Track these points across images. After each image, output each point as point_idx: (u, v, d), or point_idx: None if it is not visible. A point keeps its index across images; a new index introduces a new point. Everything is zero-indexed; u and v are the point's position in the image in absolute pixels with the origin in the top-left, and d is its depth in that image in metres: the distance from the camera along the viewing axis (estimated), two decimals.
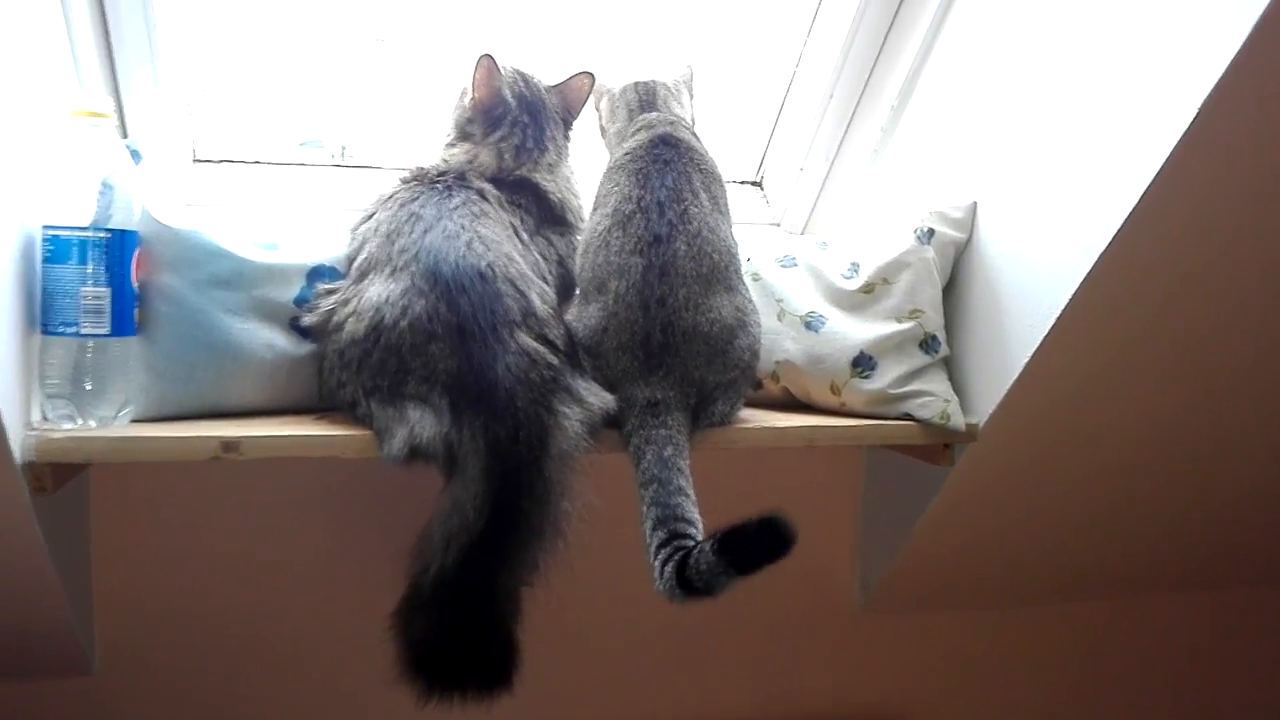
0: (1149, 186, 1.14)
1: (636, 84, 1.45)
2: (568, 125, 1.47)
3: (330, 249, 1.30)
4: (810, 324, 1.45)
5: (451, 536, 1.08)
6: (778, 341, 1.47)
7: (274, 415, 1.24)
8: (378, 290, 1.16)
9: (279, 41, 1.76)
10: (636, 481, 1.18)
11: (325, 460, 1.14)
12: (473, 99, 1.40)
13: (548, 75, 1.47)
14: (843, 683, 1.89)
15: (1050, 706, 2.06)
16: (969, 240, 1.45)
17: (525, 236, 1.32)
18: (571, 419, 1.15)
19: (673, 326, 1.22)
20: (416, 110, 1.71)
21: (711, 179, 1.34)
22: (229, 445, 1.10)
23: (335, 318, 1.19)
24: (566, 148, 1.46)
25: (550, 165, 1.41)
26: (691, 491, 1.16)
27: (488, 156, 1.37)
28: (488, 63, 1.37)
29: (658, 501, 1.14)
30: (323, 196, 1.63)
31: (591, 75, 1.46)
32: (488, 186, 1.32)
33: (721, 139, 1.57)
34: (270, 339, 1.23)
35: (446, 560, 1.07)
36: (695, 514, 1.15)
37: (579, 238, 1.39)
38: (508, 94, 1.40)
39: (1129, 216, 1.17)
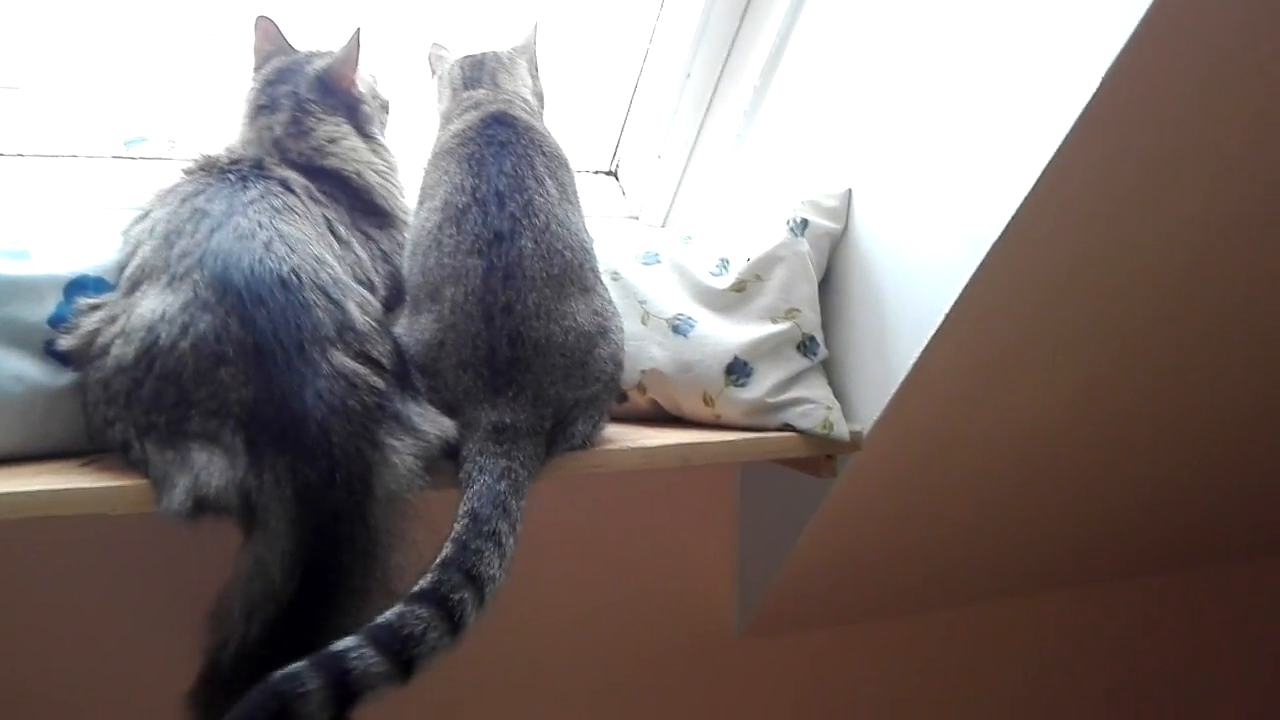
0: (1044, 169, 1.04)
1: (463, 58, 1.28)
2: (327, 87, 1.24)
3: (97, 256, 1.07)
4: (678, 327, 1.30)
5: (254, 605, 0.89)
6: (643, 348, 1.31)
7: (27, 462, 1.01)
8: (152, 304, 0.95)
9: (107, 36, 1.60)
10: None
11: (96, 517, 0.92)
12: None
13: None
14: (723, 715, 1.76)
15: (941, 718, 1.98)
16: (845, 231, 1.34)
17: (341, 231, 1.13)
18: (402, 453, 0.97)
19: (522, 338, 1.05)
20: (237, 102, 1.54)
21: (557, 163, 1.17)
22: None
23: (100, 339, 0.97)
24: (330, 115, 1.23)
25: (293, 128, 1.20)
26: (509, 540, 0.98)
27: (244, 132, 1.21)
28: (263, 24, 1.25)
29: (458, 540, 0.95)
30: (104, 193, 1.39)
31: (357, 29, 1.24)
32: (293, 175, 1.13)
33: (571, 125, 1.41)
34: (19, 369, 1.00)
35: (249, 634, 0.89)
36: (494, 569, 0.95)
37: (404, 234, 1.20)
38: (275, 61, 1.25)
39: (1023, 203, 1.07)
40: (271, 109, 1.21)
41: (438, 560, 0.94)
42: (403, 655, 0.85)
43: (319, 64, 1.24)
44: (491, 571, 0.95)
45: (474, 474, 1.01)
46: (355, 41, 1.23)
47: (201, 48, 1.66)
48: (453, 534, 0.97)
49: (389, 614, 0.88)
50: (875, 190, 1.29)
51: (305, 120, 1.20)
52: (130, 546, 1.25)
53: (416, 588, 0.91)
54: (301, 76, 1.23)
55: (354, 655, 0.83)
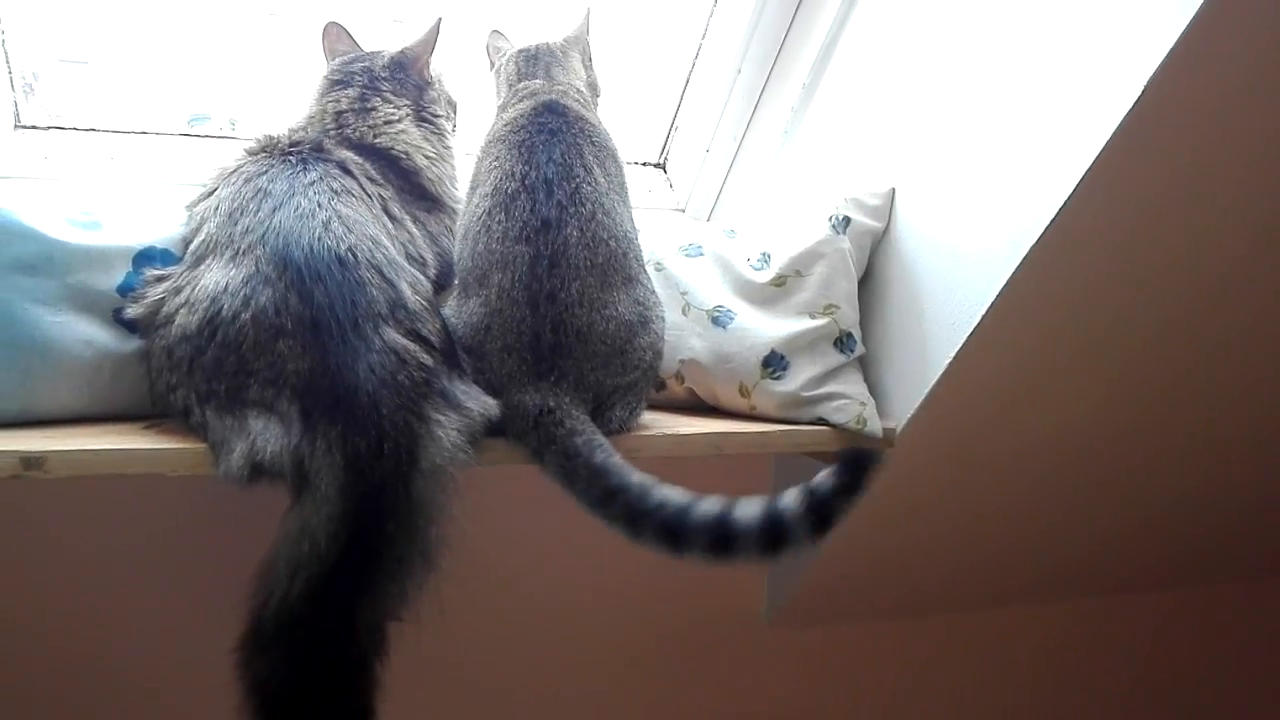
0: (1086, 172, 1.05)
1: (523, 49, 1.31)
2: (402, 66, 1.32)
3: (164, 229, 1.12)
4: (718, 319, 1.33)
5: (299, 565, 0.92)
6: (682, 338, 1.34)
7: (95, 423, 1.07)
8: (215, 277, 1.00)
9: (172, 14, 1.67)
10: (583, 504, 1.03)
11: (156, 477, 0.96)
12: None
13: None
14: (748, 701, 1.79)
15: (962, 718, 1.99)
16: (886, 229, 1.35)
17: (395, 210, 1.17)
18: (447, 427, 1.00)
19: (565, 325, 1.08)
20: (310, 85, 1.59)
21: (605, 153, 1.20)
22: (31, 461, 0.92)
23: (165, 309, 1.02)
24: (405, 103, 1.30)
25: (359, 104, 1.27)
26: (649, 476, 1.02)
27: (310, 108, 1.27)
28: (333, 30, 1.32)
29: (641, 513, 0.99)
30: (170, 169, 1.44)
31: (438, 19, 1.32)
32: (350, 156, 1.17)
33: (622, 117, 1.44)
34: (88, 334, 1.05)
35: (291, 591, 0.92)
36: (680, 493, 1.00)
37: (452, 219, 1.24)
38: (339, 60, 1.32)
39: (1063, 205, 1.07)
40: (344, 84, 1.28)
41: (658, 537, 0.99)
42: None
43: (395, 50, 1.31)
44: (680, 493, 1.00)
45: (566, 464, 1.03)
46: (435, 29, 1.31)
47: (263, 28, 1.71)
48: (617, 512, 1.00)
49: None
50: (918, 190, 1.30)
51: (371, 99, 1.27)
52: (185, 508, 1.31)
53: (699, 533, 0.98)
54: (378, 57, 1.31)
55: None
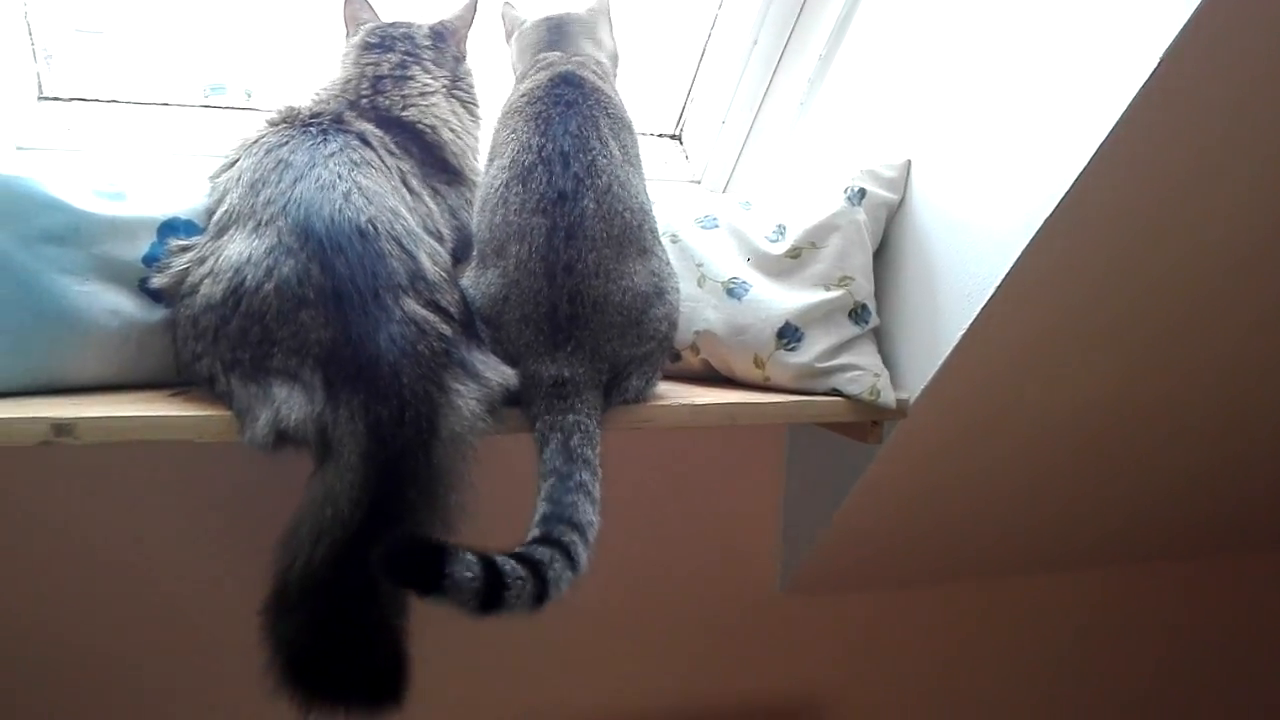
0: (1100, 145, 1.04)
1: (544, 19, 1.32)
2: (442, 38, 1.34)
3: (187, 200, 1.13)
4: (733, 291, 1.34)
5: (323, 529, 0.95)
6: (697, 310, 1.35)
7: (122, 391, 1.09)
8: (238, 248, 1.01)
9: None
10: (539, 468, 1.05)
11: (182, 444, 0.99)
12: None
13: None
14: (762, 667, 1.81)
15: (973, 686, 2.01)
16: (902, 202, 1.35)
17: (414, 184, 1.19)
18: (466, 396, 1.02)
19: (581, 296, 1.09)
20: (329, 55, 1.59)
21: (620, 125, 1.20)
22: (62, 428, 0.94)
23: (189, 279, 1.04)
24: (443, 75, 1.32)
25: (399, 70, 1.28)
26: (595, 486, 1.04)
27: (343, 71, 1.29)
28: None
29: (551, 498, 1.02)
30: (191, 140, 1.46)
31: None
32: (370, 128, 1.18)
33: (638, 89, 1.44)
34: (115, 304, 1.07)
35: (315, 555, 0.94)
36: (589, 515, 1.02)
37: (472, 192, 1.25)
38: (372, 24, 1.33)
39: (1078, 179, 1.07)
40: (384, 49, 1.29)
41: (537, 516, 1.00)
42: (539, 575, 0.93)
43: (431, 27, 1.33)
44: (588, 518, 1.01)
45: (547, 433, 1.06)
46: (474, 2, 1.34)
47: None
48: (543, 492, 1.02)
49: (515, 551, 0.95)
50: (934, 162, 1.30)
51: (411, 67, 1.29)
52: (211, 474, 1.34)
53: (529, 537, 0.98)
54: (416, 27, 1.32)
55: (507, 568, 0.91)
